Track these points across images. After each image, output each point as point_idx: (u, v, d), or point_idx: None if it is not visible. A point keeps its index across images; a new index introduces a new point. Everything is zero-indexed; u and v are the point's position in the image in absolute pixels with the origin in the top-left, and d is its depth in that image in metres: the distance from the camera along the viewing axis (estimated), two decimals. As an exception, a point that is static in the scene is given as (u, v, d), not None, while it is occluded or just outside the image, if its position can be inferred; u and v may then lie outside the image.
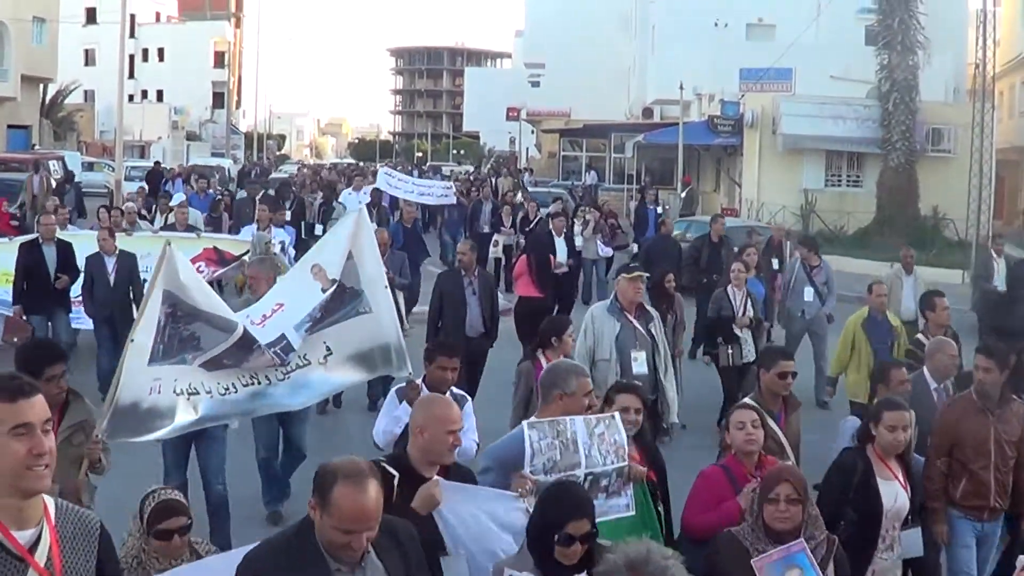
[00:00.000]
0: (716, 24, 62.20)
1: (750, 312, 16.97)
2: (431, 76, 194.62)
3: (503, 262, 31.52)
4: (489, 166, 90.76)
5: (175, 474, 11.48)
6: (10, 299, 19.30)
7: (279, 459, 13.54)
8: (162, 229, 25.05)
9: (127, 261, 18.87)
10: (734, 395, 14.96)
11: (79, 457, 8.50)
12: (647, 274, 13.52)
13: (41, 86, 72.47)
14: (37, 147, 64.70)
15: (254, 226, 24.12)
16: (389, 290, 9.81)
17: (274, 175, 61.87)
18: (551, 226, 26.77)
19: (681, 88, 51.59)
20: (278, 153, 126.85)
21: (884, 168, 45.47)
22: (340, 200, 33.12)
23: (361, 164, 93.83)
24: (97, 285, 18.63)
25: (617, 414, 7.91)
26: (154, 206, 31.91)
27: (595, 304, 14.36)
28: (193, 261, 20.47)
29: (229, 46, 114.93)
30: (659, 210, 37.06)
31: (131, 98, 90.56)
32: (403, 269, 19.25)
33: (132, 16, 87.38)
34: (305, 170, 69.32)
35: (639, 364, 12.85)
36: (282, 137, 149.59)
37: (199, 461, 11.70)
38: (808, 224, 45.34)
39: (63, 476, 7.67)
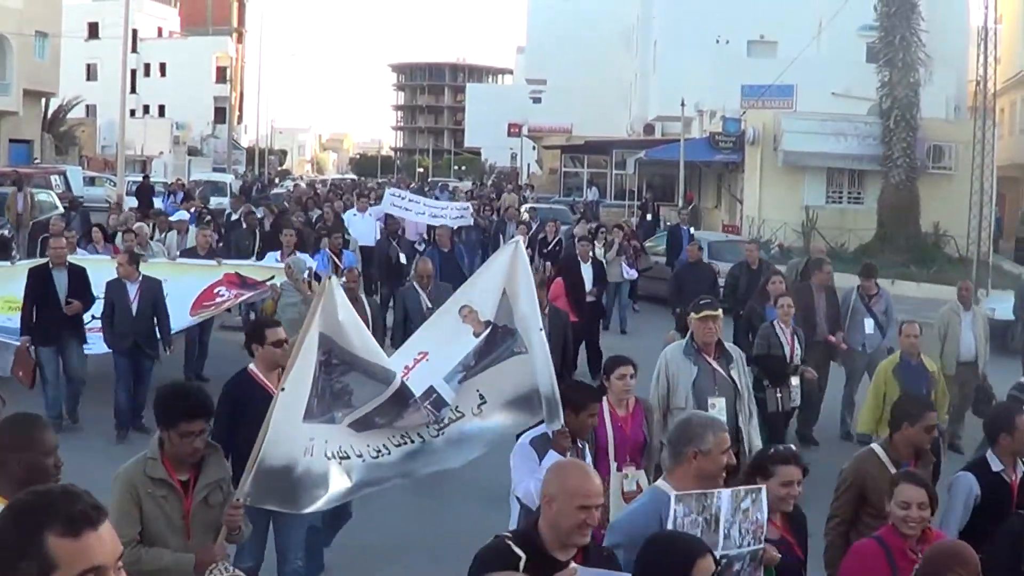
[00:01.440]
0: (718, 41, 62.27)
1: (799, 351, 15.58)
2: (433, 92, 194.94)
3: None
4: (491, 182, 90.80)
5: (252, 551, 9.93)
6: (13, 326, 18.00)
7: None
8: (182, 254, 23.49)
9: (151, 287, 17.56)
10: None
11: (216, 522, 7.53)
12: (719, 311, 11.73)
13: (43, 100, 72.64)
14: (39, 161, 64.77)
15: (278, 253, 22.43)
16: (544, 332, 8.71)
17: (275, 191, 61.87)
18: (576, 250, 25.19)
19: (682, 104, 51.61)
20: (279, 168, 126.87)
21: (885, 185, 45.45)
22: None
23: (359, 179, 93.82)
24: (118, 314, 17.25)
25: (764, 488, 6.97)
26: (153, 224, 29.51)
27: (670, 345, 12.31)
28: (213, 286, 20.29)
29: (231, 61, 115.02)
30: (692, 230, 35.06)
31: (133, 113, 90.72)
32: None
33: (134, 31, 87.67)
34: (302, 186, 67.63)
35: (718, 411, 11.01)
36: (284, 152, 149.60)
37: (277, 538, 10.17)
38: (809, 241, 45.33)
39: (198, 543, 7.36)
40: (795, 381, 15.18)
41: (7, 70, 64.02)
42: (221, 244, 26.86)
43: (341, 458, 7.93)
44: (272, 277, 19.91)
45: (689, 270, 24.71)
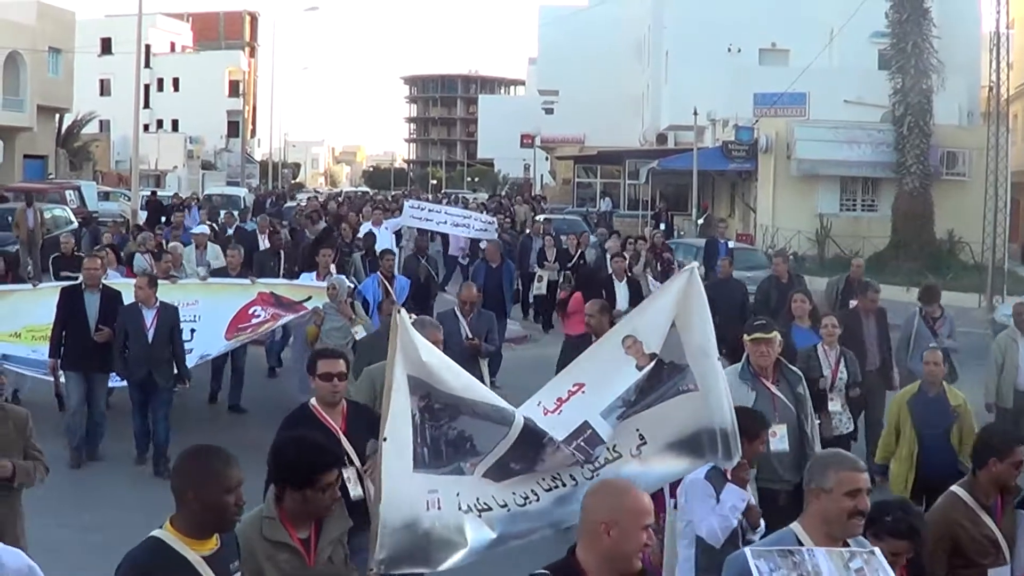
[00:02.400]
0: (729, 49, 62.18)
1: (843, 375, 14.23)
2: (445, 104, 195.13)
3: (546, 298, 28.73)
4: (504, 193, 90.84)
5: None
6: (39, 358, 17.29)
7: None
8: (212, 274, 22.11)
9: (168, 315, 16.41)
10: None
11: None
12: (773, 333, 10.89)
13: (57, 116, 72.80)
14: (53, 177, 64.94)
15: (313, 273, 21.06)
16: (719, 361, 8.11)
17: (288, 204, 61.82)
18: (610, 268, 23.75)
19: (695, 114, 51.60)
20: (293, 181, 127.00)
21: (899, 192, 45.40)
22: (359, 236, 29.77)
23: (372, 192, 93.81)
24: (133, 342, 16.13)
25: (878, 551, 6.05)
26: (166, 240, 28.13)
27: (725, 369, 10.12)
28: (249, 305, 19.23)
29: (244, 75, 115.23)
30: (731, 243, 33.54)
31: (146, 128, 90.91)
32: (491, 333, 16.38)
33: (147, 46, 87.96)
34: (315, 200, 64.04)
35: (779, 440, 10.42)
36: (297, 166, 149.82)
37: None
38: (823, 249, 45.31)
39: None
40: (836, 406, 13.98)
41: (21, 86, 64.18)
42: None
43: (481, 510, 7.35)
44: (309, 298, 19.04)
45: (719, 287, 22.19)
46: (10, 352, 17.88)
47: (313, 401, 9.13)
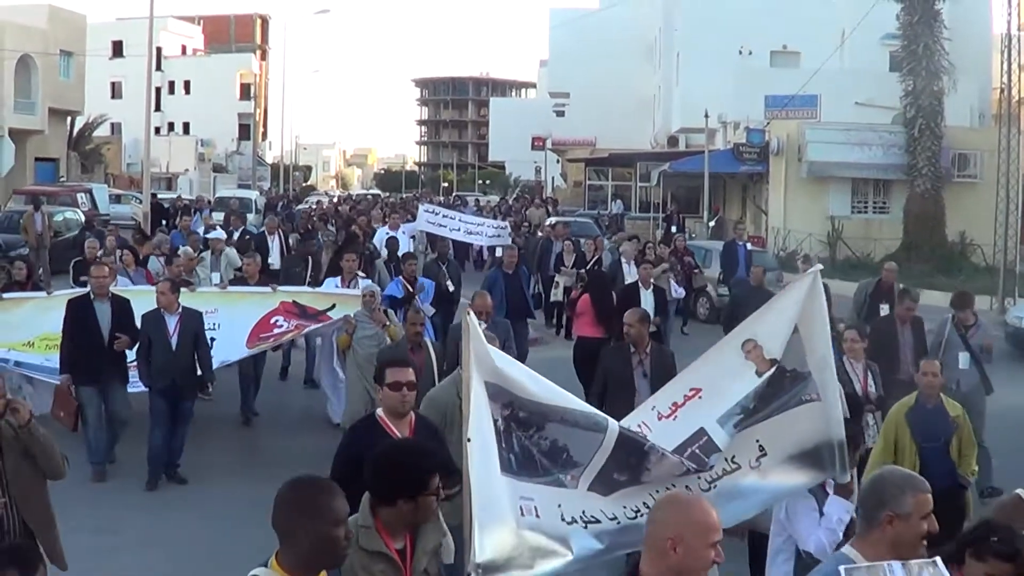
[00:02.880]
0: (740, 52, 62.22)
1: (873, 389, 14.09)
2: (456, 106, 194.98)
3: (562, 304, 27.81)
4: (515, 196, 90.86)
5: None
6: (53, 366, 16.37)
7: None
8: (232, 283, 21.12)
9: (192, 321, 15.95)
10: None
11: None
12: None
13: (68, 119, 72.96)
14: (65, 180, 65.05)
15: (337, 279, 20.41)
16: (835, 373, 7.80)
17: (300, 206, 61.86)
18: (626, 274, 23.44)
19: (706, 116, 51.60)
20: (304, 184, 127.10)
21: (910, 194, 45.38)
22: (374, 241, 28.97)
23: (384, 195, 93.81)
24: (156, 349, 15.62)
25: (939, 559, 5.90)
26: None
27: None
28: (270, 315, 18.70)
29: (255, 78, 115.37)
30: (750, 246, 32.36)
31: (158, 131, 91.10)
32: (507, 343, 15.18)
33: (158, 49, 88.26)
34: (326, 204, 63.74)
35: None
36: (308, 168, 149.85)
37: None
38: (835, 252, 45.26)
39: None
40: (871, 419, 13.63)
41: (33, 89, 64.29)
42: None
43: (588, 522, 7.01)
44: (333, 306, 18.51)
45: (748, 295, 21.05)
46: (23, 360, 17.27)
47: (380, 412, 8.85)
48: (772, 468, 7.58)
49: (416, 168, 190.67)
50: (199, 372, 16.07)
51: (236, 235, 30.60)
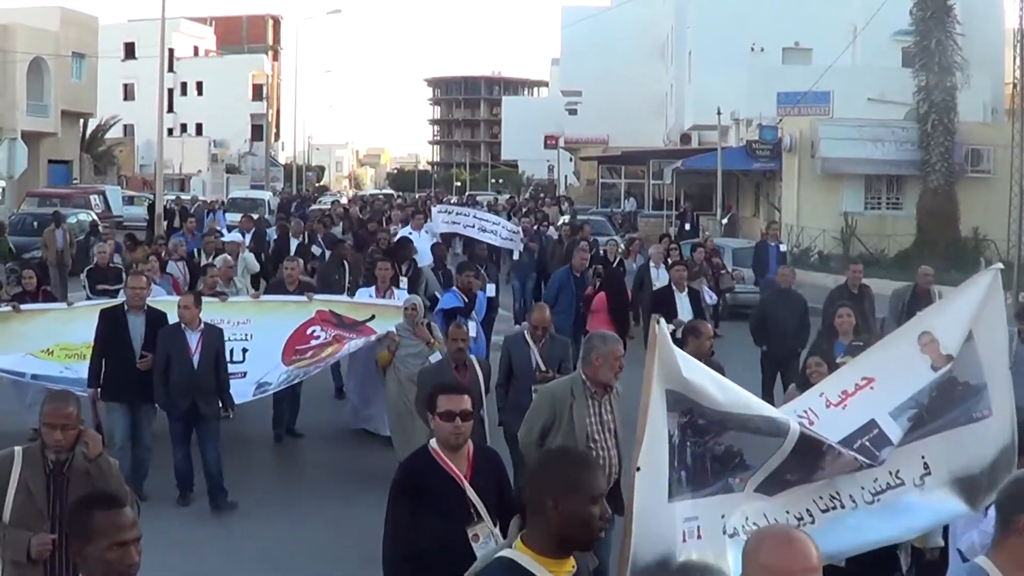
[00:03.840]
0: (752, 49, 62.00)
1: None
2: (468, 105, 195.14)
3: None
4: (528, 194, 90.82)
5: None
6: (72, 375, 15.63)
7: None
8: (267, 290, 20.46)
9: (213, 337, 14.71)
10: None
11: None
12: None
13: (81, 121, 73.24)
14: (78, 182, 65.22)
15: (371, 289, 19.14)
16: (1011, 383, 7.34)
17: (314, 207, 61.84)
18: (671, 279, 21.08)
19: (719, 113, 51.50)
20: (317, 184, 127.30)
21: (924, 190, 45.24)
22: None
23: (396, 195, 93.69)
24: (176, 368, 14.33)
25: None
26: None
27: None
28: (306, 325, 17.52)
29: (267, 79, 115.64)
30: (782, 247, 31.49)
31: (170, 132, 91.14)
32: (564, 363, 13.91)
33: (171, 50, 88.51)
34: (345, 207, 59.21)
35: None
36: (321, 168, 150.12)
37: None
38: (848, 248, 45.14)
39: None
40: None
41: (45, 91, 64.53)
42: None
43: (749, 531, 6.48)
44: (372, 317, 17.34)
45: (777, 299, 19.94)
46: (40, 372, 16.31)
47: (433, 443, 7.89)
48: (934, 488, 7.25)
49: (429, 167, 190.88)
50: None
51: (247, 238, 29.40)
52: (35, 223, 37.48)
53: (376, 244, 26.98)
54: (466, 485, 7.61)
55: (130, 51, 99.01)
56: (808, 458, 6.81)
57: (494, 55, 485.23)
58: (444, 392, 7.97)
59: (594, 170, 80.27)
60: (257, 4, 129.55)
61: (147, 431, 14.90)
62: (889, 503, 7.11)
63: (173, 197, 55.53)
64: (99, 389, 14.83)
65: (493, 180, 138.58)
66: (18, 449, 8.01)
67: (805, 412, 7.27)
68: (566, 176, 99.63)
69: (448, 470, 7.68)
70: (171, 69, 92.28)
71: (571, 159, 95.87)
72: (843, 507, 7.03)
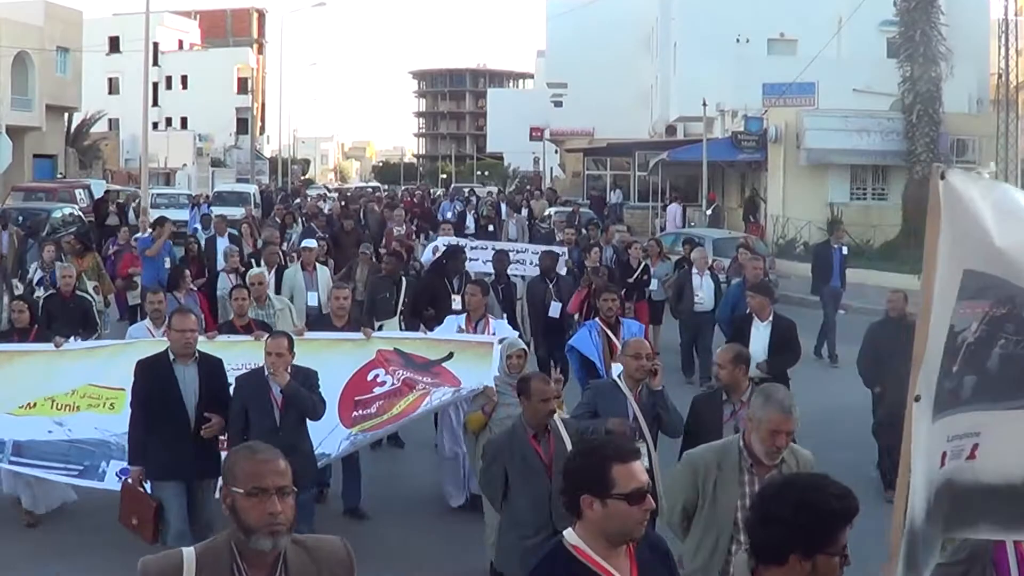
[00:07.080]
0: (738, 40, 62.02)
1: None
2: (454, 98, 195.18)
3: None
4: (514, 187, 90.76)
5: None
6: (72, 437, 12.66)
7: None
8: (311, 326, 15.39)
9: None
10: None
11: None
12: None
13: (66, 115, 72.88)
14: (63, 176, 65.05)
15: (462, 317, 15.16)
16: None
17: (297, 200, 61.65)
18: (694, 264, 20.72)
19: (704, 105, 51.43)
20: (303, 178, 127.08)
21: (909, 180, 45.31)
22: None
23: (384, 187, 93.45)
24: (256, 426, 11.10)
25: None
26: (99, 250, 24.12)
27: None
28: (366, 369, 13.51)
29: (252, 72, 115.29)
30: (845, 251, 27.58)
31: (155, 126, 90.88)
32: (663, 411, 10.68)
33: (155, 44, 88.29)
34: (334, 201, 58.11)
35: None
36: (306, 162, 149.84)
37: None
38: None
39: None
40: None
41: (29, 86, 64.31)
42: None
43: None
44: (450, 355, 13.54)
45: (889, 329, 15.60)
46: (22, 438, 12.75)
47: (572, 539, 5.23)
48: None
49: (415, 160, 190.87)
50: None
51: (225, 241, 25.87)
52: (20, 218, 37.25)
53: (388, 249, 24.02)
54: None
55: (115, 45, 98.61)
56: None
57: (479, 47, 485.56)
58: (621, 460, 5.14)
59: (580, 162, 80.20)
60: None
61: (209, 511, 10.94)
62: None
63: (112, 190, 52.04)
64: (143, 467, 11.37)
65: (479, 172, 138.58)
66: (188, 551, 5.14)
67: None
68: (552, 168, 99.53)
69: (602, 572, 5.10)
70: (156, 63, 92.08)
71: (557, 151, 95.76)
72: None
